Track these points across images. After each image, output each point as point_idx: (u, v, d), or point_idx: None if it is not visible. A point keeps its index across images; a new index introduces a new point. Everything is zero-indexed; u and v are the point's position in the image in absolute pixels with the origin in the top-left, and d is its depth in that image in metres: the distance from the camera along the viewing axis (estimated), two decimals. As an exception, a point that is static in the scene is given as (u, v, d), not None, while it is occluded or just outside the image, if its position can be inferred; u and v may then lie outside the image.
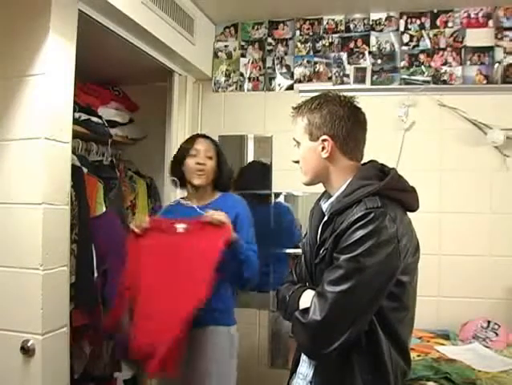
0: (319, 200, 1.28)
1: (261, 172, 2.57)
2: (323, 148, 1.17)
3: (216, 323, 1.84)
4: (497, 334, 2.02)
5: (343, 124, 1.16)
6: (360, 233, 1.03)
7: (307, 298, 1.11)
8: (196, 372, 1.82)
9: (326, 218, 1.18)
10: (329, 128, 1.16)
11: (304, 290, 1.17)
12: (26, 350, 1.39)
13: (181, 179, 1.96)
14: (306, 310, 1.09)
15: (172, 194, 2.47)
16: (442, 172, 2.33)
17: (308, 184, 1.25)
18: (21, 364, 1.41)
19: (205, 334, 1.83)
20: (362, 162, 1.24)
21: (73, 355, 2.04)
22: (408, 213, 1.19)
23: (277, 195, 2.52)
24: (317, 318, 1.04)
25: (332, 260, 1.09)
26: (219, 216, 1.72)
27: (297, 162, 1.25)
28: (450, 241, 2.29)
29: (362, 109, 1.22)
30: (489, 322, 2.07)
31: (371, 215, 1.04)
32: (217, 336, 1.84)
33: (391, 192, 1.11)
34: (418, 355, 1.83)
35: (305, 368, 1.21)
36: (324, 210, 1.22)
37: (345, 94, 1.24)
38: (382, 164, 1.22)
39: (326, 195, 1.25)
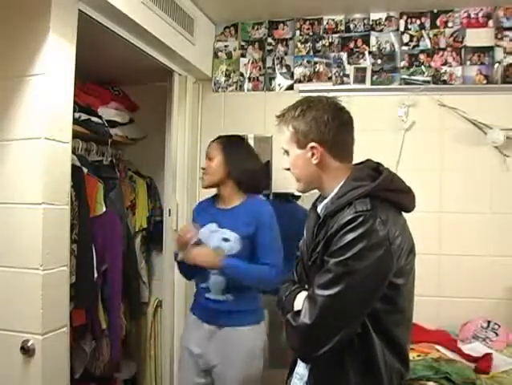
0: (316, 201, 1.28)
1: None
2: (313, 155, 1.17)
3: (243, 323, 1.85)
4: (497, 334, 2.02)
5: (329, 128, 1.16)
6: (350, 236, 1.03)
7: (301, 301, 1.11)
8: (224, 372, 1.84)
9: (320, 220, 1.18)
10: (315, 134, 1.16)
11: (299, 292, 1.17)
12: (26, 350, 1.39)
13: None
14: (297, 313, 1.09)
15: (172, 194, 2.47)
16: (442, 172, 2.33)
17: (302, 191, 1.25)
18: (21, 364, 1.41)
19: (232, 334, 1.84)
20: (358, 161, 1.23)
21: (73, 355, 2.05)
22: (407, 214, 1.19)
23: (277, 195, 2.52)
24: (307, 322, 1.05)
25: (323, 263, 1.09)
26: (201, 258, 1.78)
27: (288, 169, 1.24)
28: (450, 241, 2.29)
29: (345, 108, 1.22)
30: (489, 322, 2.07)
31: (361, 218, 1.04)
32: (241, 336, 1.84)
33: (383, 193, 1.11)
34: (418, 355, 1.83)
35: (302, 369, 1.22)
36: (319, 212, 1.22)
37: (327, 95, 1.24)
38: (378, 164, 1.21)
39: (322, 196, 1.25)
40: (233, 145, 1.94)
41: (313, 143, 1.16)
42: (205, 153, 1.98)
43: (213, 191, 1.97)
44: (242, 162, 1.90)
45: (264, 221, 1.83)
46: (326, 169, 1.18)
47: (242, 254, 1.80)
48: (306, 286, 1.20)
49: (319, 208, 1.22)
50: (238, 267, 1.78)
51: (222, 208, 1.91)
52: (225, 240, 1.82)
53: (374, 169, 1.18)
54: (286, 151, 1.23)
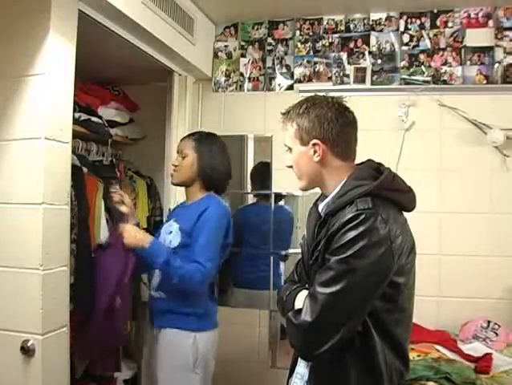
0: (317, 200, 1.28)
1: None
2: (315, 152, 1.17)
3: (176, 326, 1.77)
4: (497, 334, 2.02)
5: (332, 126, 1.16)
6: (351, 234, 1.03)
7: (301, 299, 1.12)
8: (153, 375, 1.80)
9: (321, 219, 1.18)
10: (318, 132, 1.17)
11: (300, 291, 1.17)
12: (26, 350, 1.39)
13: None
14: (298, 311, 1.09)
15: (172, 194, 2.47)
16: (442, 172, 2.33)
17: (304, 189, 1.25)
18: (21, 364, 1.41)
19: (164, 337, 1.78)
20: (358, 162, 1.24)
21: (75, 355, 2.04)
22: (407, 213, 1.19)
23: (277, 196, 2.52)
24: (308, 320, 1.05)
25: (324, 261, 1.09)
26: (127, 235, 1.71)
27: (291, 167, 1.25)
28: (450, 241, 2.29)
29: (350, 108, 1.22)
30: (489, 322, 2.07)
31: (362, 216, 1.04)
32: (175, 340, 1.76)
33: (384, 192, 1.11)
34: (418, 355, 1.83)
35: (302, 368, 1.22)
36: (320, 211, 1.22)
37: (332, 94, 1.25)
38: (379, 164, 1.22)
39: (323, 195, 1.25)
40: (206, 144, 1.90)
41: (315, 140, 1.17)
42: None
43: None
44: (213, 162, 1.87)
45: (206, 220, 1.76)
46: (327, 167, 1.19)
47: (182, 248, 1.76)
48: (307, 286, 1.20)
49: (320, 207, 1.22)
50: (159, 253, 1.69)
51: (186, 204, 1.94)
52: (169, 232, 1.84)
53: (375, 169, 1.19)
54: (290, 149, 1.24)
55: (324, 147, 1.17)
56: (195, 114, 2.61)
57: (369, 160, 1.24)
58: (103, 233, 2.20)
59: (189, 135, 1.98)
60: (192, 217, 1.78)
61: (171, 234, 1.82)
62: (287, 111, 1.23)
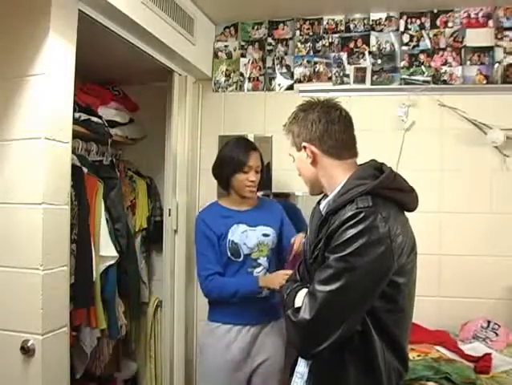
0: (320, 200, 1.29)
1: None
2: (307, 155, 1.20)
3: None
4: (497, 334, 2.02)
5: (315, 126, 1.19)
6: (350, 232, 1.04)
7: (301, 297, 1.12)
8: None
9: (322, 218, 1.18)
10: (304, 134, 1.20)
11: (300, 289, 1.17)
12: (26, 350, 1.39)
13: (226, 183, 1.98)
14: (298, 309, 1.09)
15: (172, 194, 2.47)
16: (442, 172, 2.33)
17: (311, 193, 1.29)
18: (21, 364, 1.41)
19: (279, 326, 1.95)
20: (362, 162, 1.24)
21: (74, 355, 2.05)
22: (408, 213, 1.19)
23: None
24: (306, 317, 1.05)
25: (324, 259, 1.09)
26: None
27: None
28: (450, 241, 2.29)
29: (339, 106, 1.23)
30: (489, 322, 2.07)
31: (362, 214, 1.04)
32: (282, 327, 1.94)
33: (384, 192, 1.11)
34: (418, 355, 1.83)
35: (302, 367, 1.22)
36: (322, 210, 1.23)
37: (332, 94, 1.27)
38: (381, 164, 1.22)
39: (326, 195, 1.26)
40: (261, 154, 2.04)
41: (304, 143, 1.20)
42: (241, 161, 1.90)
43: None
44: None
45: (285, 216, 2.07)
46: (322, 168, 1.20)
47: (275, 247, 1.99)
48: (308, 285, 1.20)
49: (322, 206, 1.23)
50: None
51: (243, 209, 1.99)
52: (266, 235, 1.95)
53: (377, 169, 1.19)
54: (293, 158, 1.27)
55: (313, 149, 1.19)
56: (195, 114, 2.61)
57: (372, 160, 1.24)
58: (102, 233, 2.20)
59: (255, 148, 1.97)
60: (275, 218, 2.02)
61: (268, 237, 1.96)
62: (285, 123, 1.27)
